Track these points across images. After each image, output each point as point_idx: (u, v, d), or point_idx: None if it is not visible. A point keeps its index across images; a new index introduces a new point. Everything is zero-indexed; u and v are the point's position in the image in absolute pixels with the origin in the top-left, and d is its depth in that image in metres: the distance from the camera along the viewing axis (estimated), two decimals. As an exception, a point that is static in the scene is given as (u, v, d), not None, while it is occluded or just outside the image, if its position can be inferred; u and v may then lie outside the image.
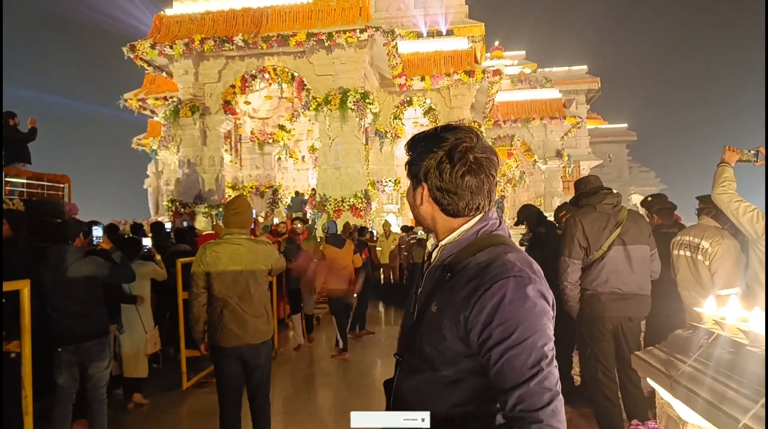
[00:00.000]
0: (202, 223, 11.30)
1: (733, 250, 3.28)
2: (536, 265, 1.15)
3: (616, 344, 3.45)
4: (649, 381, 2.05)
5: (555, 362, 1.06)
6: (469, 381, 1.14)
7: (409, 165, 1.25)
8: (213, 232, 8.74)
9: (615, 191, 3.55)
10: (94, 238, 5.24)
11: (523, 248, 1.44)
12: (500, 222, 1.26)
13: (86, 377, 3.59)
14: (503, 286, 1.06)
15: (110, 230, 6.27)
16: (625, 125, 38.01)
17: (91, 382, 3.60)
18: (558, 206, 4.79)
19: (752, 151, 3.01)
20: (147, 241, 5.46)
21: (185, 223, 8.64)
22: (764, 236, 2.79)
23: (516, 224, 5.34)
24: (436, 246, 1.27)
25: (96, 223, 5.96)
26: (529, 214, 5.03)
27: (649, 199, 4.47)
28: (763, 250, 2.82)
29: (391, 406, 1.29)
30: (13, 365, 3.02)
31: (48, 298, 3.49)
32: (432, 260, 1.28)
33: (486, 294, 1.07)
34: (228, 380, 3.21)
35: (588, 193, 3.55)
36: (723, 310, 1.89)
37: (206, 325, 3.24)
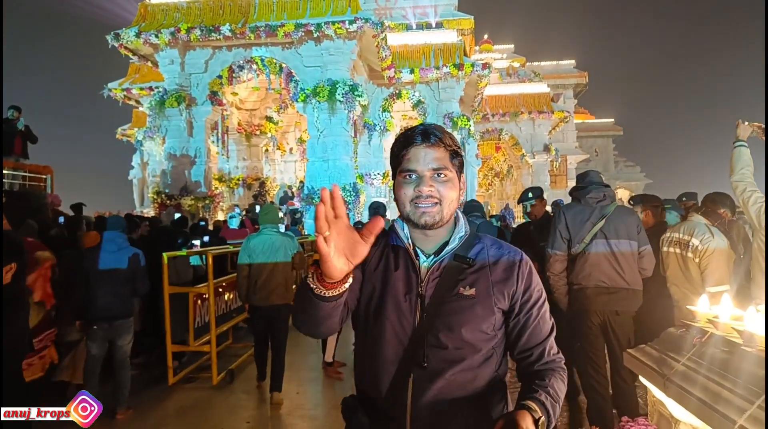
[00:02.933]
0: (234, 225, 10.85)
1: (724, 248, 3.30)
2: None
3: (605, 339, 3.45)
4: (642, 379, 2.05)
5: None
6: (496, 354, 1.27)
7: (456, 154, 1.28)
8: (237, 229, 8.89)
9: (606, 186, 3.52)
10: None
11: None
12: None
13: (115, 348, 4.31)
14: (525, 260, 1.32)
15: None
16: (612, 120, 38.18)
17: (119, 353, 4.33)
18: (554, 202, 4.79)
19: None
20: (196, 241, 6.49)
21: (177, 215, 8.60)
22: (764, 229, 2.83)
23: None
24: (412, 243, 1.30)
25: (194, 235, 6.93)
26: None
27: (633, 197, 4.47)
28: (764, 238, 2.85)
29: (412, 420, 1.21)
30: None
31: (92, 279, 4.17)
32: (439, 254, 1.28)
33: (521, 266, 1.29)
34: (257, 329, 4.88)
35: (579, 187, 3.55)
36: (716, 309, 1.88)
37: (247, 291, 4.66)
